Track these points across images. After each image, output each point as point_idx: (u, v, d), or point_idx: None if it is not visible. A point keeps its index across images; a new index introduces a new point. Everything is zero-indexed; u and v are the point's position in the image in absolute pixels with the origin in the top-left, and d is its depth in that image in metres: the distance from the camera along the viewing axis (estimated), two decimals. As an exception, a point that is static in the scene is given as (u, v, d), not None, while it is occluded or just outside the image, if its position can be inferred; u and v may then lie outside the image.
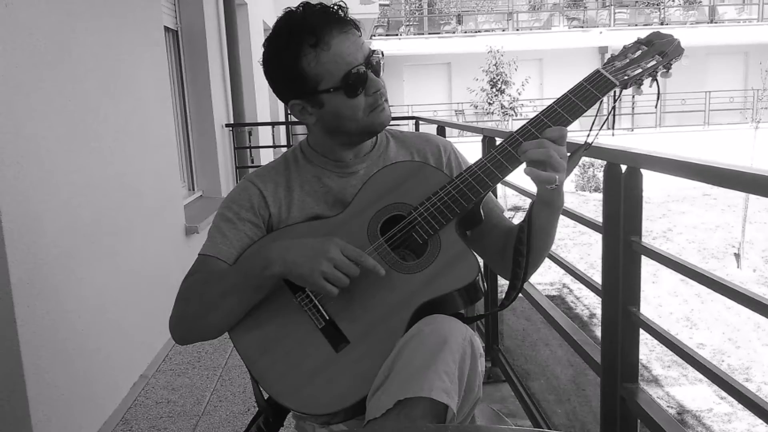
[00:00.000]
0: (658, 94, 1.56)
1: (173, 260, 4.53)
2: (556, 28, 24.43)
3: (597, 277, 2.43)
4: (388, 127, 1.66)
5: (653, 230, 17.23)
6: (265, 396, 1.56)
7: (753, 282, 14.79)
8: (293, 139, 9.90)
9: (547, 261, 1.80)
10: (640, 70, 1.49)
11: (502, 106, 20.88)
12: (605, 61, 1.54)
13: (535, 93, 23.46)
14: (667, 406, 9.29)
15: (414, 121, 7.30)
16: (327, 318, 1.47)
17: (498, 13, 25.43)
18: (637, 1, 25.69)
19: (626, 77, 1.48)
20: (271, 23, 2.39)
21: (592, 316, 11.81)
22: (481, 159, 1.53)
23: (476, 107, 21.89)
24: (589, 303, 12.26)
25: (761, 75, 19.74)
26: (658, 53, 1.51)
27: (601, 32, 23.47)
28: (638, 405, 2.13)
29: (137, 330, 3.79)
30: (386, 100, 1.58)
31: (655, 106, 1.81)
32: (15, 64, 2.63)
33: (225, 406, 3.51)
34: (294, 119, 2.39)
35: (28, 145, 2.68)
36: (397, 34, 25.09)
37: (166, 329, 1.55)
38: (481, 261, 1.59)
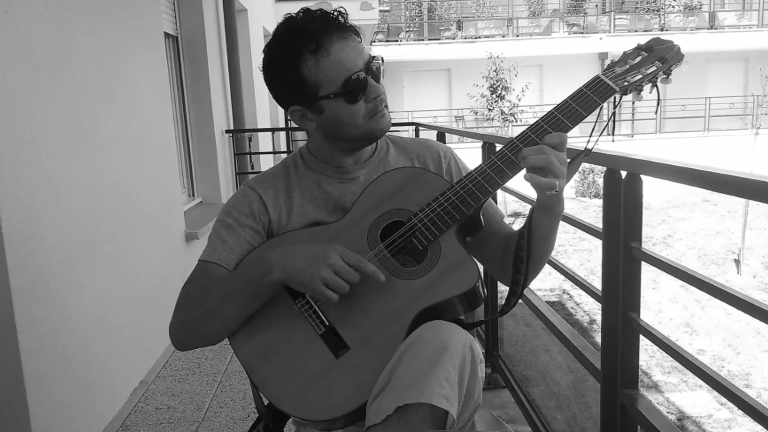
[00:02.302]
0: (658, 100, 1.56)
1: (173, 266, 4.53)
2: (556, 34, 24.44)
3: (597, 283, 2.43)
4: (388, 133, 1.66)
5: (653, 236, 17.23)
6: (265, 402, 1.56)
7: (753, 288, 14.79)
8: (293, 145, 9.91)
9: (547, 267, 1.80)
10: (640, 76, 1.49)
11: (502, 112, 20.91)
12: (605, 67, 1.54)
13: (535, 99, 23.49)
14: (668, 412, 9.28)
15: (414, 127, 7.31)
16: (327, 324, 1.47)
17: (498, 19, 25.45)
18: (637, 7, 25.73)
19: (626, 83, 1.48)
20: (271, 29, 2.38)
21: (592, 322, 11.79)
22: (481, 165, 1.53)
23: (476, 113, 21.92)
24: (589, 309, 12.25)
25: (761, 81, 19.77)
26: (658, 59, 1.51)
27: (601, 38, 23.49)
28: (638, 411, 2.13)
29: (137, 336, 3.78)
30: (386, 106, 1.58)
31: (655, 112, 1.80)
32: (15, 70, 2.63)
33: (225, 412, 3.51)
34: (294, 125, 2.38)
35: (28, 151, 2.69)
36: (397, 40, 25.12)
37: (166, 335, 1.55)
38: (481, 267, 1.59)
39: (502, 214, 1.76)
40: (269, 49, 1.54)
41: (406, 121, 13.28)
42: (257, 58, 8.22)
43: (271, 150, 9.88)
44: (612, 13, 24.85)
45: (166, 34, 5.60)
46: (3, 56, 2.55)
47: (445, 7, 27.08)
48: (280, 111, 10.35)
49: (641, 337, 2.18)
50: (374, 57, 1.55)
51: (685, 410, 9.46)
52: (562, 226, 1.71)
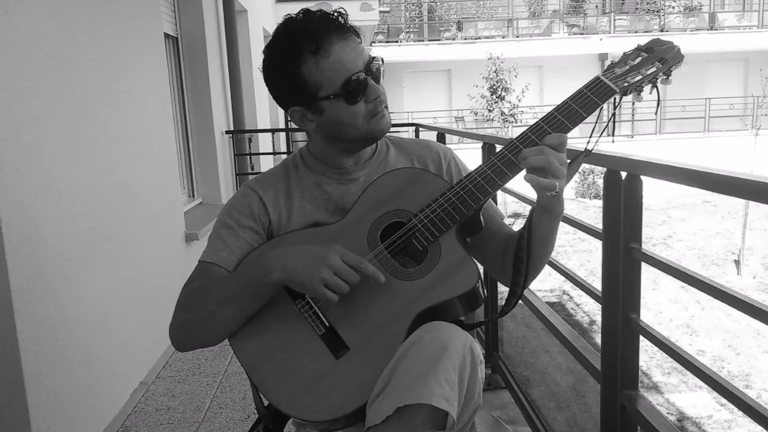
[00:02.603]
0: (658, 100, 1.56)
1: (173, 267, 4.52)
2: (556, 35, 24.44)
3: (597, 284, 2.43)
4: (388, 134, 1.66)
5: (653, 237, 17.24)
6: (265, 403, 1.56)
7: (753, 289, 14.79)
8: (293, 145, 9.91)
9: (547, 268, 1.80)
10: (640, 77, 1.49)
11: (502, 113, 20.93)
12: (605, 67, 1.54)
13: (535, 100, 23.49)
14: (668, 413, 9.28)
15: (414, 127, 7.30)
16: (327, 325, 1.47)
17: (498, 19, 25.44)
18: (637, 8, 25.73)
19: (626, 84, 1.48)
20: (271, 30, 2.39)
21: (592, 322, 11.80)
22: (481, 166, 1.53)
23: (476, 114, 21.94)
24: (589, 310, 12.25)
25: (761, 82, 19.78)
26: (658, 60, 1.51)
27: (601, 39, 23.49)
28: (638, 412, 2.12)
29: (137, 337, 3.78)
30: (386, 107, 1.58)
31: (655, 113, 1.80)
32: (15, 71, 2.63)
33: (225, 413, 3.51)
34: (294, 126, 2.38)
35: (28, 152, 2.69)
36: (397, 41, 25.11)
37: (166, 336, 1.55)
38: (481, 268, 1.59)
39: (502, 214, 1.76)
40: (269, 50, 1.54)
41: (406, 121, 13.28)
42: (257, 58, 8.22)
43: (271, 151, 9.88)
44: (612, 13, 24.84)
45: (166, 35, 5.60)
46: (3, 57, 2.55)
47: (445, 8, 27.09)
48: (280, 112, 10.35)
49: (641, 337, 2.18)
50: (374, 58, 1.55)
51: (685, 411, 9.46)
52: (562, 226, 1.71)
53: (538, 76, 24.69)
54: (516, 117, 21.02)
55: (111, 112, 3.63)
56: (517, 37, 24.36)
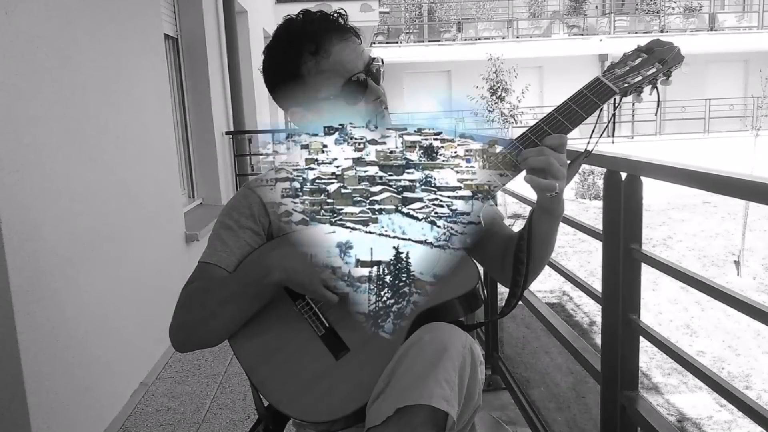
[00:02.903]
0: (658, 101, 1.56)
1: (173, 268, 4.52)
2: (556, 36, 24.43)
3: (597, 285, 2.43)
4: (388, 135, 1.66)
5: (653, 238, 17.22)
6: (265, 403, 1.56)
7: (753, 290, 14.77)
8: (293, 146, 9.88)
9: (547, 268, 1.80)
10: (640, 78, 1.48)
11: (502, 114, 20.89)
12: (605, 68, 1.54)
13: (535, 100, 23.47)
14: (667, 414, 9.27)
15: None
16: (327, 325, 1.47)
17: (498, 20, 25.43)
18: (637, 9, 25.72)
19: (626, 85, 1.48)
20: (271, 31, 2.38)
21: (592, 323, 11.79)
22: (481, 166, 1.52)
23: (476, 115, 21.91)
24: (589, 311, 12.24)
25: (761, 83, 19.77)
26: (658, 61, 1.50)
27: (601, 40, 23.48)
28: (638, 413, 2.13)
29: (137, 337, 3.78)
30: (386, 108, 1.58)
31: (655, 114, 1.80)
32: (15, 72, 2.63)
33: (225, 414, 3.51)
34: (294, 126, 2.38)
35: (28, 152, 2.68)
36: (397, 42, 25.10)
37: (166, 336, 1.54)
38: (481, 269, 1.59)
39: (503, 215, 1.76)
40: (269, 51, 1.55)
41: (406, 122, 13.25)
42: (257, 59, 8.19)
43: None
44: (612, 14, 24.83)
45: (166, 36, 5.60)
46: (3, 57, 2.55)
47: (445, 8, 27.09)
48: (280, 112, 10.35)
49: (641, 338, 2.18)
50: (374, 58, 1.55)
51: (685, 412, 9.45)
52: (562, 227, 1.70)
53: (538, 76, 24.67)
54: (516, 118, 20.99)
55: (111, 112, 3.63)
56: (517, 37, 24.35)
